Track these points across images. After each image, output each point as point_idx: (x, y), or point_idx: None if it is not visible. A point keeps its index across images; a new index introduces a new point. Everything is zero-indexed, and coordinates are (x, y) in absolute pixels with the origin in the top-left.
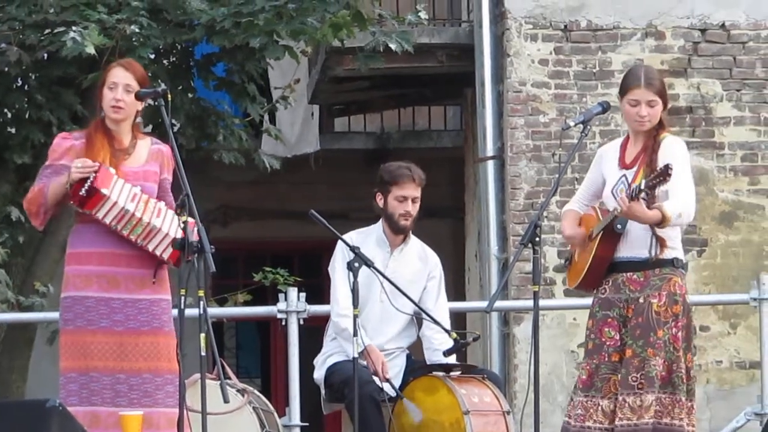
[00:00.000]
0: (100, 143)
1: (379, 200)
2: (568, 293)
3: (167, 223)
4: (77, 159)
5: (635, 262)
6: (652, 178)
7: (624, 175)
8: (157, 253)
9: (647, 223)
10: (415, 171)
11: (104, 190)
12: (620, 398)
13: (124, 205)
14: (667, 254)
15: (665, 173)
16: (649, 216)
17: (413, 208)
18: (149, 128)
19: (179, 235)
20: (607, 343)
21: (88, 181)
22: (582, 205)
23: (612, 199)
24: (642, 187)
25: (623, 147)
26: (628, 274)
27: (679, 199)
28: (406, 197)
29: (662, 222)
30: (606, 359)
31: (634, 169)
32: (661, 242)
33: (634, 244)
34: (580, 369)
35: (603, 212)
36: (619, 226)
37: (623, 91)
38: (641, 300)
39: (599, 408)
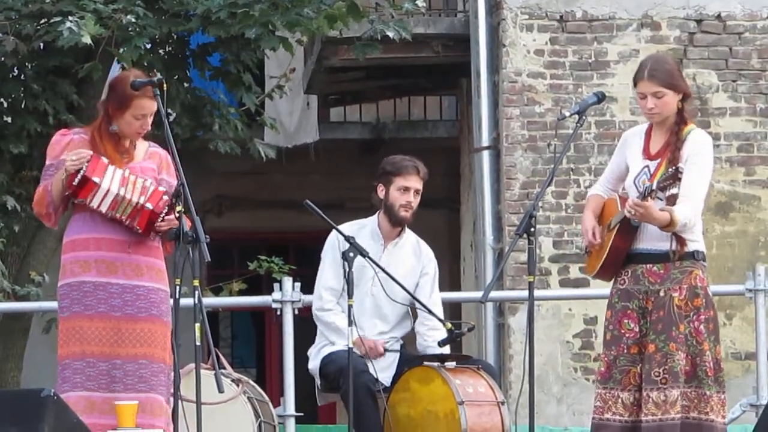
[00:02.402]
0: (104, 148)
1: (380, 191)
2: (563, 284)
3: (152, 199)
4: (71, 152)
5: (654, 254)
6: (663, 180)
7: (647, 166)
8: (135, 225)
9: (655, 224)
10: (419, 164)
11: (95, 179)
12: (644, 394)
13: (116, 191)
14: (688, 247)
15: (675, 176)
16: (659, 217)
17: (415, 200)
18: None
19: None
20: (626, 334)
21: (81, 171)
22: (606, 189)
23: (634, 189)
24: (654, 187)
25: (648, 135)
26: (648, 265)
27: (688, 206)
28: (408, 188)
29: (668, 226)
30: (624, 351)
31: (657, 161)
32: (680, 241)
33: (653, 236)
34: (599, 361)
35: (623, 200)
36: (636, 220)
37: (633, 84)
38: (662, 293)
39: (619, 400)
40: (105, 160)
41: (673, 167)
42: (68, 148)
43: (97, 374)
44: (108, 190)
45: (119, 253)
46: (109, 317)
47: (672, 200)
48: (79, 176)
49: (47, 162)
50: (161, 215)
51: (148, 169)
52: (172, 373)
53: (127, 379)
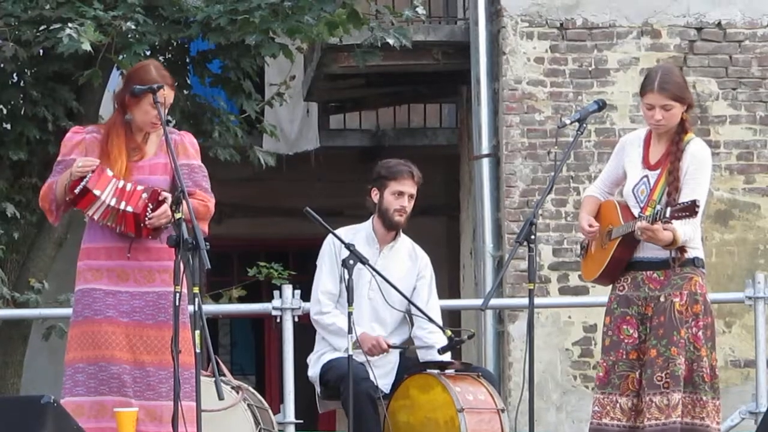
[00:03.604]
0: (116, 142)
1: (374, 195)
2: (562, 291)
3: (131, 201)
4: (80, 158)
5: (655, 261)
6: (679, 210)
7: (646, 176)
8: (126, 230)
9: (660, 244)
10: (413, 168)
11: (96, 192)
12: (647, 398)
13: (111, 203)
14: (689, 254)
15: (692, 210)
16: (664, 239)
17: (409, 205)
18: None
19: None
20: (625, 340)
21: (84, 180)
22: (602, 191)
23: (632, 198)
24: (667, 215)
25: (647, 142)
26: (648, 272)
27: (689, 223)
28: (403, 192)
29: (671, 244)
30: (623, 356)
31: (657, 171)
32: (680, 248)
33: (654, 246)
34: (598, 366)
35: (623, 207)
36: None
37: (641, 93)
38: (662, 299)
39: (617, 405)
40: (110, 172)
41: (691, 200)
42: (79, 147)
43: (109, 378)
44: (103, 202)
45: (130, 261)
46: (117, 323)
47: (671, 205)
48: (81, 185)
49: (58, 158)
50: (146, 214)
51: (158, 165)
52: (192, 375)
53: (136, 386)
